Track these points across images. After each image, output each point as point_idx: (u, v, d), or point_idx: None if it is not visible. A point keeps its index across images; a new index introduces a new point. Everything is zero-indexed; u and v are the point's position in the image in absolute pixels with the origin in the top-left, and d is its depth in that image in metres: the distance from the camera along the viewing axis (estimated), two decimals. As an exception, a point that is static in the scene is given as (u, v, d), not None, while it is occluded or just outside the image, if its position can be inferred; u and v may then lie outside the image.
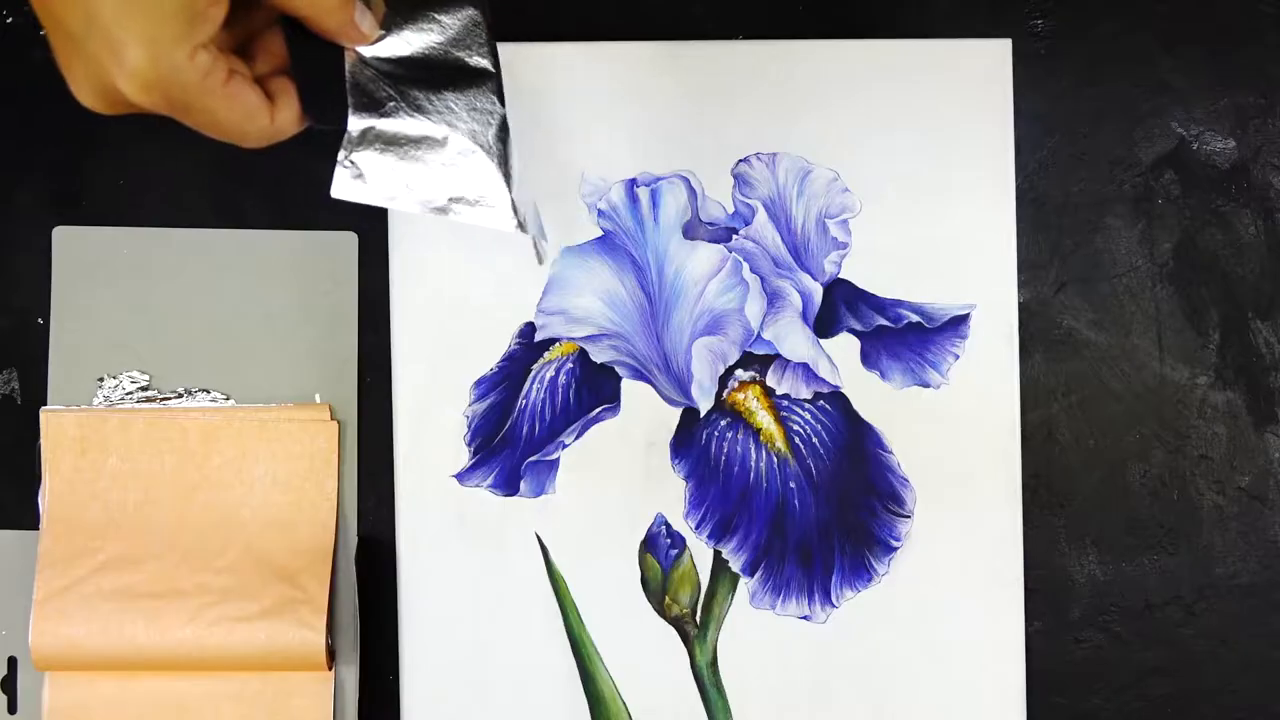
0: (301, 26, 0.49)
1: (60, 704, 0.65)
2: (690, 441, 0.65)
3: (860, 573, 0.65)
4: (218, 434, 0.67)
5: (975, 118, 0.66)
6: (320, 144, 0.68)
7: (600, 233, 0.66)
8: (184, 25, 0.43)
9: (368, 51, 0.50)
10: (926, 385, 0.65)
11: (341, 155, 0.51)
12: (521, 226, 0.53)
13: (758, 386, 0.65)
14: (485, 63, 0.51)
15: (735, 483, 0.65)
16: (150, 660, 0.65)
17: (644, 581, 0.66)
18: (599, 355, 0.66)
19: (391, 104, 0.50)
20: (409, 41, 0.51)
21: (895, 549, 0.65)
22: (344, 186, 0.51)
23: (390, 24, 0.50)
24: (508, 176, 0.53)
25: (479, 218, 0.53)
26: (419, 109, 0.51)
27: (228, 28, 0.46)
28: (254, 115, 0.47)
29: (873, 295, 0.66)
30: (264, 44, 0.49)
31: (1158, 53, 0.67)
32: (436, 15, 0.51)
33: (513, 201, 0.52)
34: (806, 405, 0.65)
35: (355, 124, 0.50)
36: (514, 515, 0.66)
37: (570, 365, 0.66)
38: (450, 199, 0.52)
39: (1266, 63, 0.67)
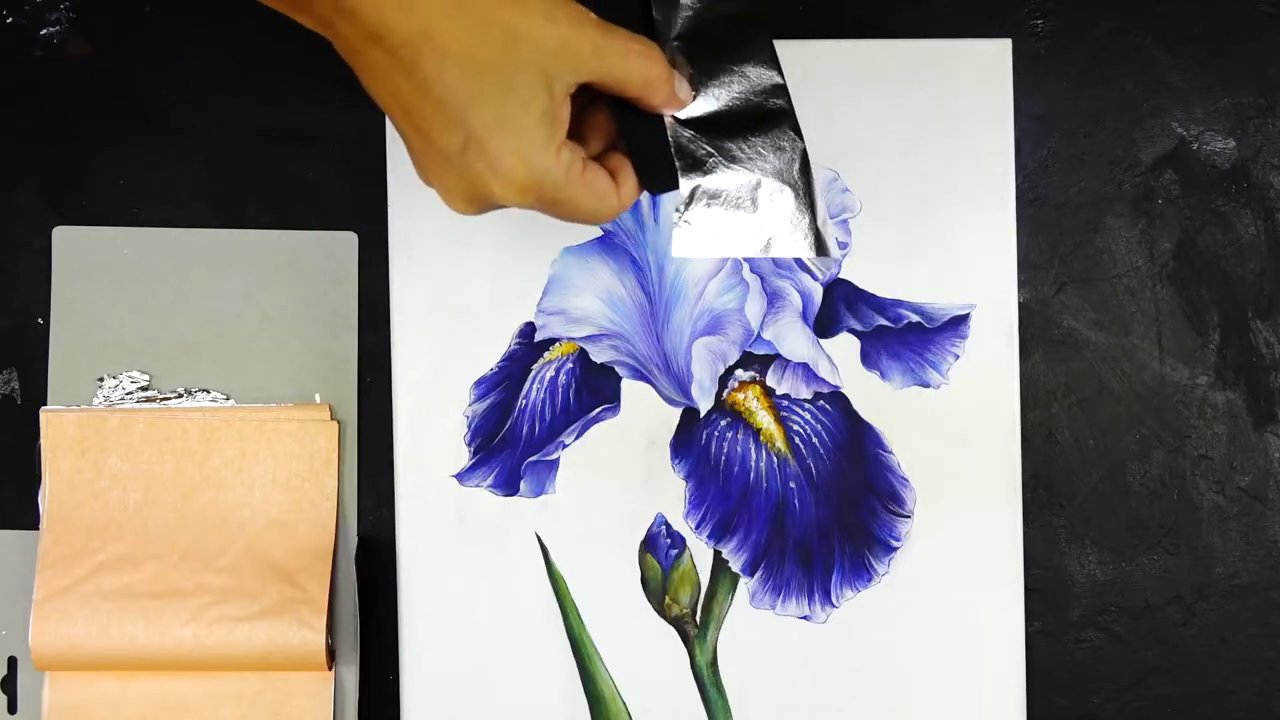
0: (622, 101, 0.51)
1: (60, 704, 0.65)
2: (690, 441, 0.65)
3: (860, 573, 0.65)
4: (218, 434, 0.67)
5: (975, 118, 0.66)
6: (322, 144, 0.68)
7: (600, 233, 0.66)
8: (547, 130, 0.47)
9: (682, 114, 0.53)
10: (926, 385, 0.65)
11: (676, 216, 0.53)
12: (823, 251, 0.55)
13: (758, 386, 0.65)
14: (781, 102, 0.54)
15: (735, 483, 0.65)
16: (150, 660, 0.65)
17: (644, 581, 0.66)
18: (599, 355, 0.66)
19: (711, 160, 0.53)
20: (716, 97, 0.53)
21: (895, 549, 0.65)
22: (683, 245, 0.53)
23: (697, 84, 0.53)
24: (812, 206, 0.55)
25: (788, 249, 0.55)
26: (733, 159, 0.53)
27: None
28: (605, 196, 0.50)
29: (873, 295, 0.66)
30: (592, 124, 0.52)
31: (1158, 53, 0.68)
32: (735, 67, 0.53)
33: (817, 229, 0.55)
34: (806, 405, 0.65)
35: (685, 184, 0.52)
36: (514, 515, 0.66)
37: (570, 365, 0.66)
38: (769, 238, 0.54)
39: (1266, 63, 0.67)
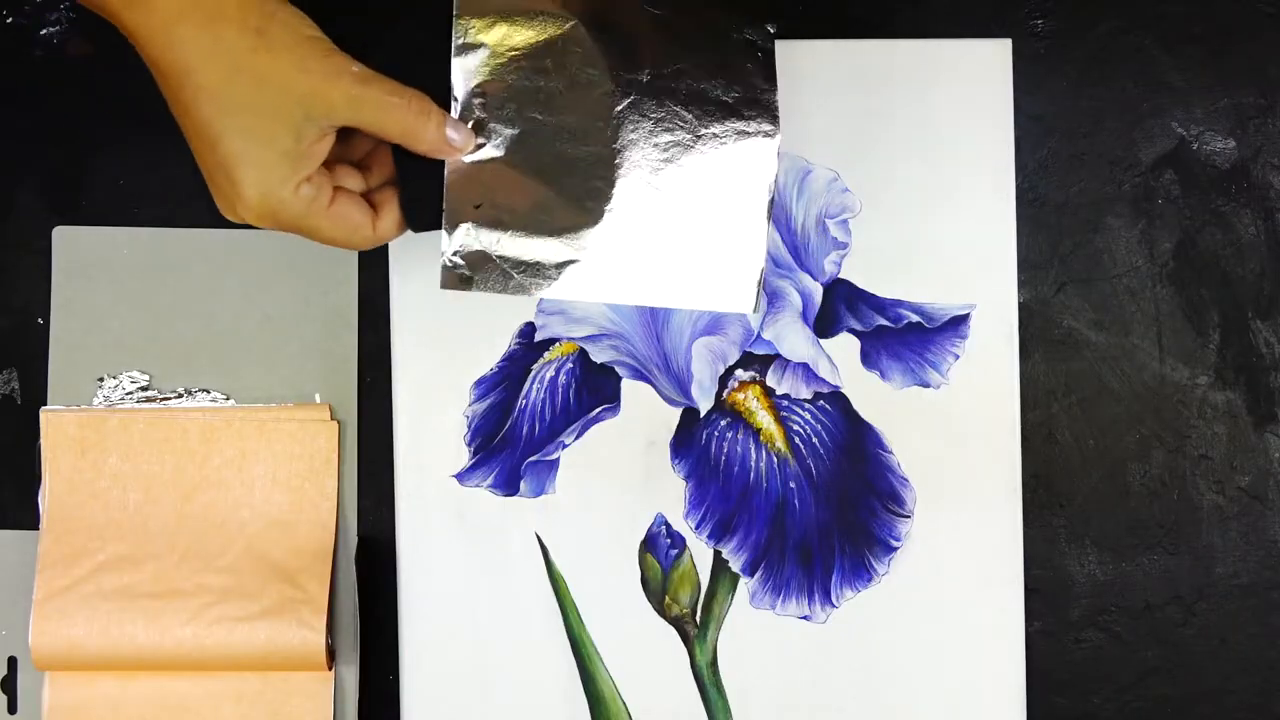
0: None
1: (60, 704, 0.65)
2: (690, 441, 0.65)
3: (860, 573, 0.65)
4: (218, 434, 0.67)
5: (975, 118, 0.66)
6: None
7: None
8: (289, 167, 0.51)
9: (474, 157, 0.56)
10: (926, 385, 0.65)
11: (443, 255, 0.56)
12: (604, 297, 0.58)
13: (758, 386, 0.65)
14: (591, 149, 0.56)
15: (735, 483, 0.65)
16: (150, 660, 0.65)
17: (644, 581, 0.66)
18: (599, 355, 0.66)
19: (484, 205, 0.56)
20: (508, 145, 0.56)
21: (895, 549, 0.65)
22: (450, 281, 0.56)
23: (491, 132, 0.56)
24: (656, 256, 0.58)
25: (581, 294, 0.57)
26: (512, 205, 0.56)
27: (348, 146, 0.56)
28: (357, 228, 0.55)
29: (873, 295, 0.66)
30: (377, 158, 0.57)
31: (1158, 53, 0.68)
32: (539, 117, 0.56)
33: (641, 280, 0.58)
34: (806, 405, 0.65)
35: (450, 226, 0.55)
36: (514, 515, 0.66)
37: (570, 365, 0.66)
38: (556, 283, 0.57)
39: (1266, 63, 0.67)
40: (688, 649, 0.66)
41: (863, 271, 0.66)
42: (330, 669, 0.65)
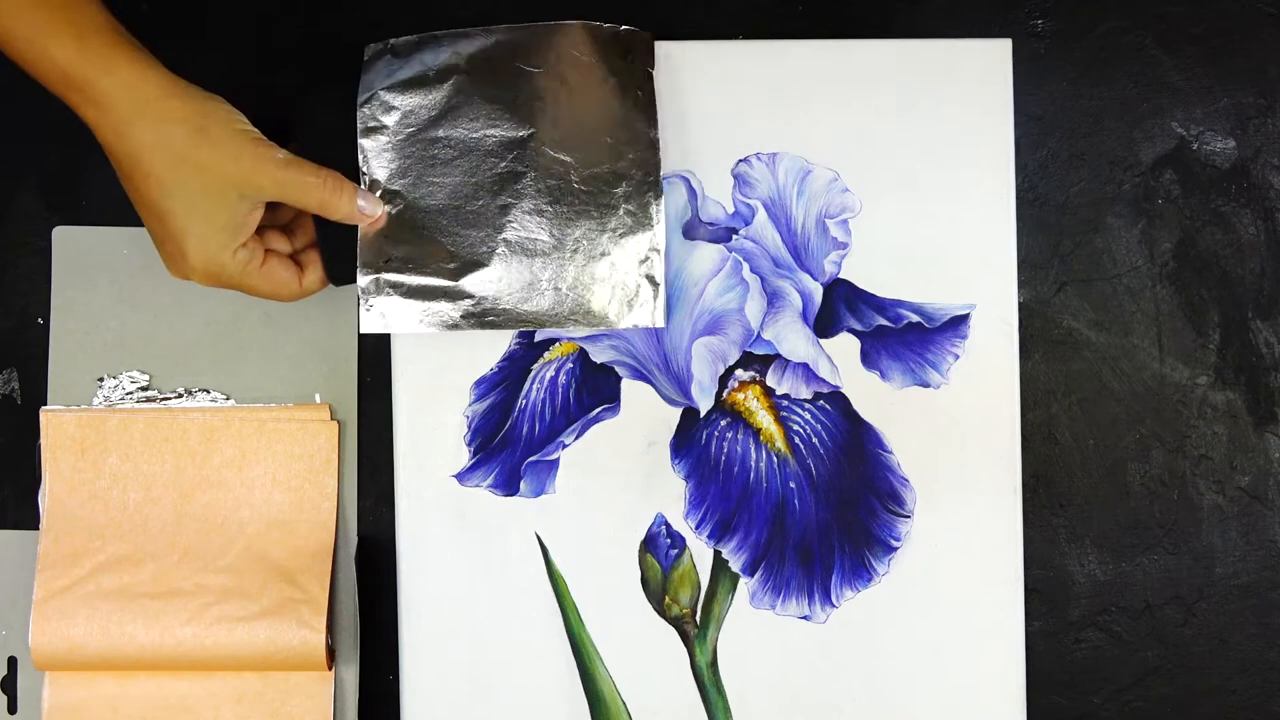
0: None
1: (60, 704, 0.65)
2: (690, 441, 0.65)
3: (860, 573, 0.65)
4: (218, 434, 0.67)
5: (975, 118, 0.66)
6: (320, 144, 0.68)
7: (600, 233, 0.66)
8: (227, 237, 0.60)
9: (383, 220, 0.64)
10: (926, 385, 0.65)
11: (360, 302, 0.63)
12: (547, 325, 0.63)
13: (758, 386, 0.65)
14: (482, 201, 0.63)
15: (735, 483, 0.65)
16: (150, 660, 0.65)
17: (644, 581, 0.66)
18: (599, 355, 0.66)
19: (393, 259, 0.63)
20: (412, 204, 0.63)
21: (895, 549, 0.65)
22: (369, 323, 0.63)
23: (395, 197, 0.63)
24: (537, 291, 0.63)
25: (489, 326, 0.63)
26: (416, 257, 0.63)
27: (277, 213, 0.64)
28: (286, 284, 0.63)
29: (873, 295, 0.66)
30: (301, 224, 0.65)
31: (1158, 53, 0.68)
32: (435, 179, 0.64)
33: (517, 310, 0.63)
34: (806, 405, 0.65)
35: (364, 278, 0.63)
36: (514, 515, 0.66)
37: (570, 365, 0.66)
38: (461, 317, 0.63)
39: (1266, 63, 0.67)
40: (688, 649, 0.66)
41: (863, 271, 0.66)
42: (330, 669, 0.66)
